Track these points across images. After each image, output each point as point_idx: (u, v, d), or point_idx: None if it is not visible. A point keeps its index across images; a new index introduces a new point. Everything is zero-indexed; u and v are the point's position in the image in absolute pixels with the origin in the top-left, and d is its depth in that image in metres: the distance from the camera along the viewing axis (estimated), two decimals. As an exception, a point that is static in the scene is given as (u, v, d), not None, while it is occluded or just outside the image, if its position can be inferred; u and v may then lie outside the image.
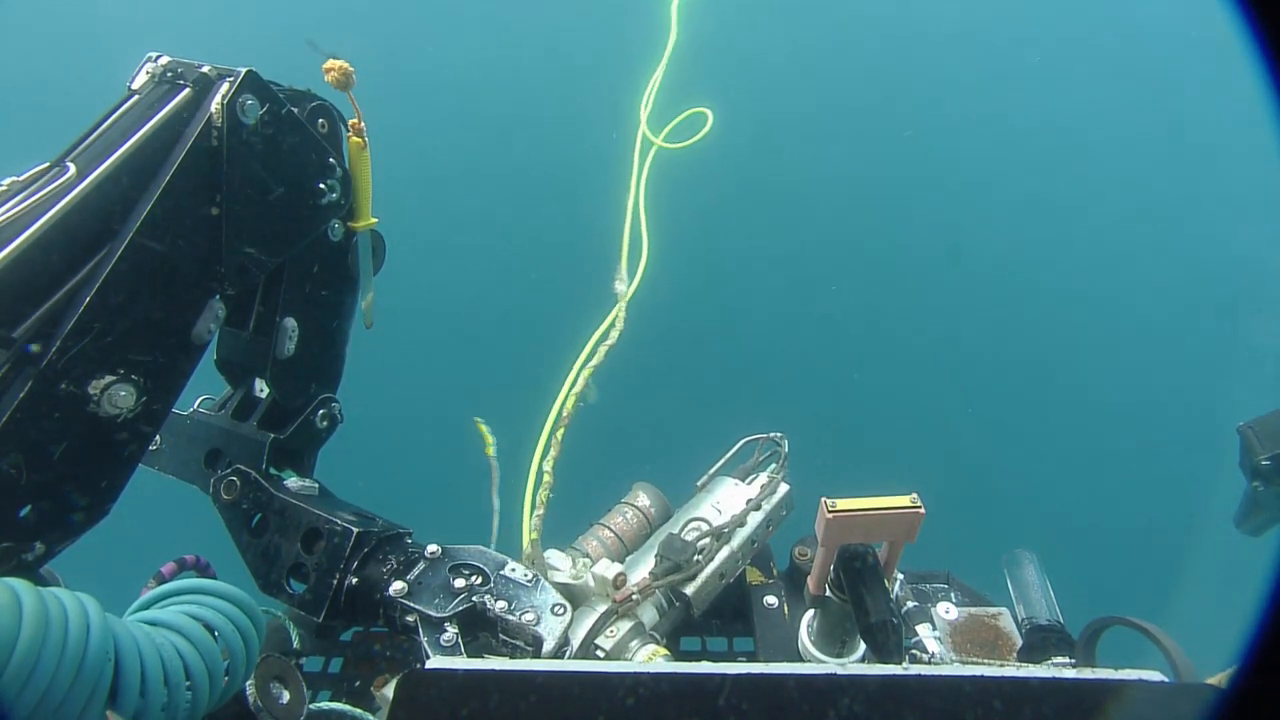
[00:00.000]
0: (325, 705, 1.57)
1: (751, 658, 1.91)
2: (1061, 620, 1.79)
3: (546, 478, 1.82)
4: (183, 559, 1.56)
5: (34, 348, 1.26)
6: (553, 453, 1.86)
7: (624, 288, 2.49)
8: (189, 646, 1.05)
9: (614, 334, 2.25)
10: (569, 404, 1.96)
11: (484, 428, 1.96)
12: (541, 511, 1.76)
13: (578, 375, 2.07)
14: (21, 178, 1.35)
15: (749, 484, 1.97)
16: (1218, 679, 1.12)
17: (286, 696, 1.41)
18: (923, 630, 1.85)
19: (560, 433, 1.89)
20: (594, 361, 2.11)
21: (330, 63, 1.63)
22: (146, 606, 1.13)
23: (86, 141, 1.40)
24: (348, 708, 1.55)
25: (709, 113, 3.43)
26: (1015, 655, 1.80)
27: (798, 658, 1.81)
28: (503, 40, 9.93)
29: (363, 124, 1.75)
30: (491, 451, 1.95)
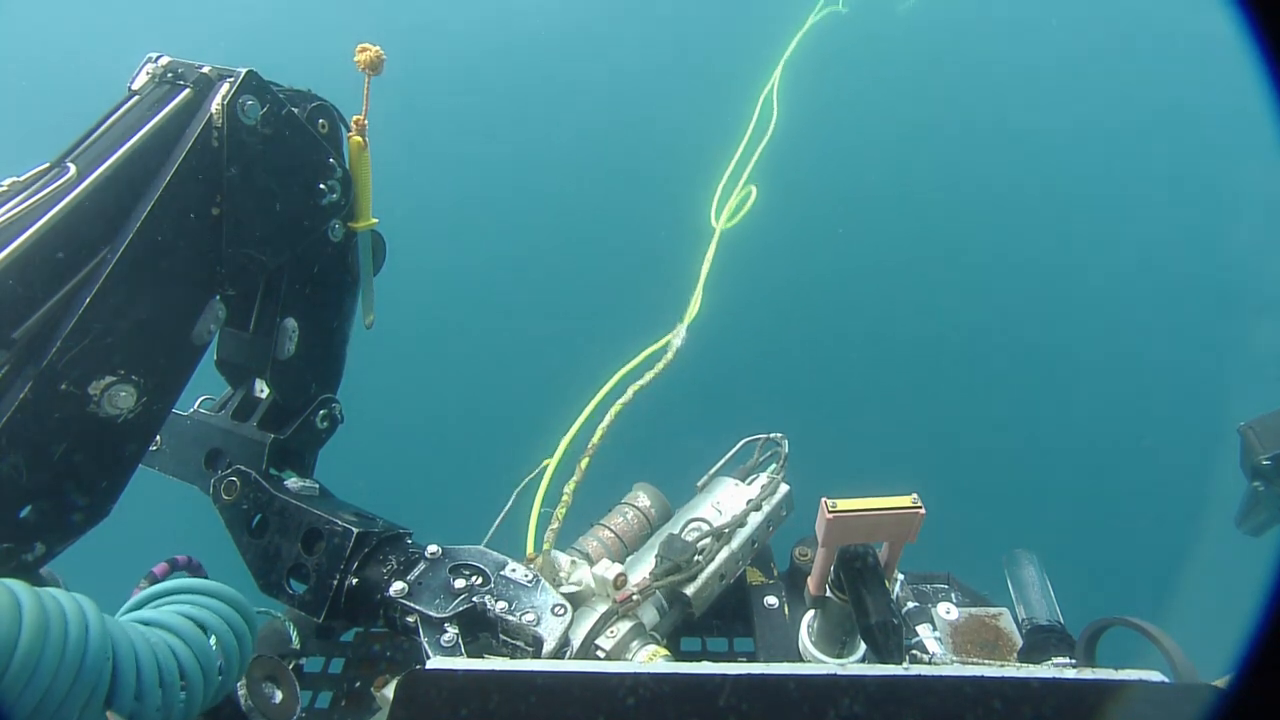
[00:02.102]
0: None
1: (752, 658, 1.91)
2: (1061, 620, 1.79)
3: (565, 498, 1.82)
4: (174, 559, 1.56)
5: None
6: (575, 478, 1.87)
7: (680, 342, 2.52)
8: (183, 646, 1.06)
9: (648, 375, 2.26)
10: (595, 438, 1.97)
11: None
12: (556, 525, 1.76)
13: (592, 410, 2.08)
14: (22, 178, 1.35)
15: (749, 484, 1.97)
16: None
17: (279, 696, 1.41)
18: (923, 630, 1.85)
19: (585, 462, 1.89)
20: (624, 399, 2.12)
21: (364, 46, 1.63)
22: (139, 606, 1.13)
23: (87, 142, 1.40)
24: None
25: (754, 189, 3.76)
26: (1015, 655, 1.79)
27: (798, 658, 1.81)
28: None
29: (366, 120, 1.74)
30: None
